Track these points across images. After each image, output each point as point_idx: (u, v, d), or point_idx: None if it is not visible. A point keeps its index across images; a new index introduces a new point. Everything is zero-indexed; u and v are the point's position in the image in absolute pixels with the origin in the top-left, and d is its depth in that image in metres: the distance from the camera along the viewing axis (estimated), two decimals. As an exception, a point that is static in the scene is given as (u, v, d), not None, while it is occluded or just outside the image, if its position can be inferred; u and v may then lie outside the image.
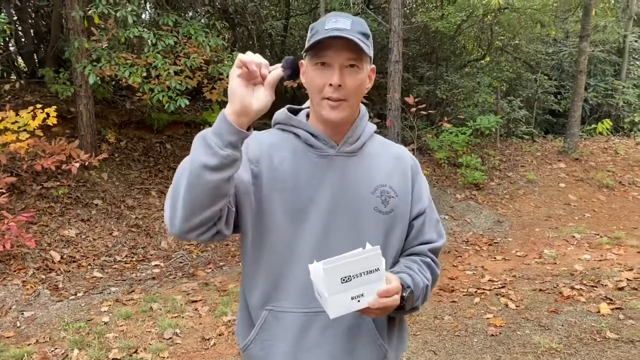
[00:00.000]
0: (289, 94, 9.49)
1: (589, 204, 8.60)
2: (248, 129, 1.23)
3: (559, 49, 13.59)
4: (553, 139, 12.64)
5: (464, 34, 11.80)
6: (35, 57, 9.30)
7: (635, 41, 14.34)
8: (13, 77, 9.09)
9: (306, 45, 1.38)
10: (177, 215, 1.26)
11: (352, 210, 1.44)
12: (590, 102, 13.32)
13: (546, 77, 13.13)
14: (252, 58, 1.19)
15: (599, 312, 4.46)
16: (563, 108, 13.25)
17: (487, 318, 4.47)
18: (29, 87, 8.15)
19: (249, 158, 1.43)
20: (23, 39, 9.33)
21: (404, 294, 1.36)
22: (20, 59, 9.70)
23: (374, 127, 1.59)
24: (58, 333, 4.34)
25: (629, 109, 13.72)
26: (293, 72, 1.25)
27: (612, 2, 13.72)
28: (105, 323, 4.52)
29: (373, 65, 1.48)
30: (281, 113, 1.56)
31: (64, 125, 7.58)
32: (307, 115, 1.53)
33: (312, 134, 1.47)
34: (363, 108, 1.56)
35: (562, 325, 4.25)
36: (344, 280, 1.22)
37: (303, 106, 1.58)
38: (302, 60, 1.45)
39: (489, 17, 10.99)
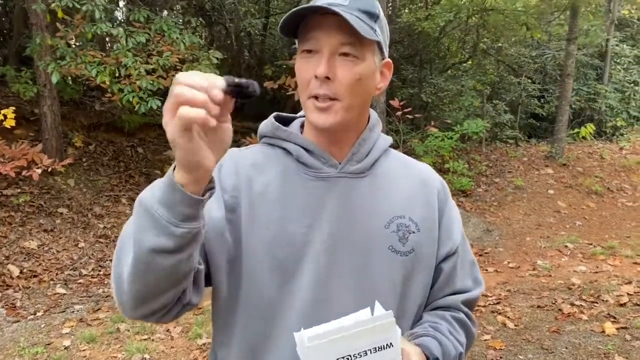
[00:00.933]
0: (269, 96, 9.05)
1: (579, 211, 8.37)
2: (210, 180, 0.85)
3: (543, 52, 13.44)
4: (537, 143, 12.46)
5: (448, 36, 11.56)
6: (-1, 55, 8.78)
7: (617, 45, 14.28)
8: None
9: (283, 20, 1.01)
10: (125, 301, 0.91)
11: (359, 250, 1.07)
12: (574, 106, 13.19)
13: (529, 81, 12.97)
14: (198, 94, 0.71)
15: (603, 332, 4.16)
16: (546, 112, 13.13)
17: (485, 340, 4.13)
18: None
19: (223, 186, 1.06)
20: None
21: None
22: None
23: (389, 139, 1.20)
24: (12, 360, 3.89)
25: (611, 113, 13.63)
26: (240, 94, 0.75)
27: (594, 5, 13.64)
28: (65, 348, 4.08)
29: (388, 60, 1.10)
30: (267, 124, 1.17)
31: (27, 128, 7.08)
32: (303, 126, 1.15)
33: (305, 149, 1.09)
34: (374, 115, 1.18)
35: (567, 348, 3.93)
36: None
37: (298, 114, 1.19)
38: None
39: (474, 18, 10.76)
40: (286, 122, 1.19)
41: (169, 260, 0.83)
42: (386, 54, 1.08)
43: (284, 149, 1.12)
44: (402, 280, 1.10)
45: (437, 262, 1.15)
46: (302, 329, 0.88)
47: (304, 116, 1.12)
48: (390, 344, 0.88)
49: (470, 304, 1.20)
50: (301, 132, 1.14)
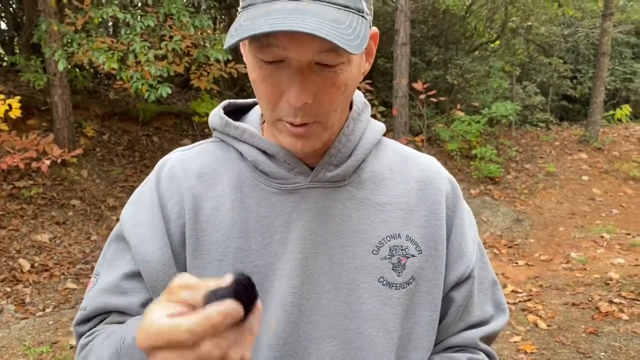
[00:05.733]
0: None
1: (616, 198, 7.90)
2: None
3: (575, 30, 12.84)
4: (569, 126, 11.95)
5: (474, 15, 11.08)
6: (16, 44, 8.71)
7: (656, 22, 13.57)
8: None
9: (234, 26, 0.68)
10: None
11: (340, 286, 0.80)
12: (608, 86, 12.61)
13: (561, 61, 12.43)
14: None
15: (646, 334, 3.80)
16: (579, 93, 12.61)
17: (515, 342, 3.81)
18: (4, 76, 7.50)
19: (165, 214, 0.81)
20: (5, 25, 8.83)
21: None
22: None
23: (381, 127, 0.90)
24: (16, 360, 3.74)
25: (648, 93, 13.03)
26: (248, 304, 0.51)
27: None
28: (71, 347, 3.92)
29: (374, 29, 0.76)
30: (214, 115, 0.88)
31: (40, 118, 6.94)
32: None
33: (266, 153, 0.81)
34: (359, 97, 0.87)
35: (605, 352, 3.59)
36: None
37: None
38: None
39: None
40: (239, 110, 0.90)
41: None
42: (371, 17, 0.74)
43: (238, 150, 0.84)
44: (400, 323, 0.83)
45: (445, 291, 0.87)
46: None
47: None
48: None
49: (491, 338, 0.92)
50: (262, 127, 0.85)
